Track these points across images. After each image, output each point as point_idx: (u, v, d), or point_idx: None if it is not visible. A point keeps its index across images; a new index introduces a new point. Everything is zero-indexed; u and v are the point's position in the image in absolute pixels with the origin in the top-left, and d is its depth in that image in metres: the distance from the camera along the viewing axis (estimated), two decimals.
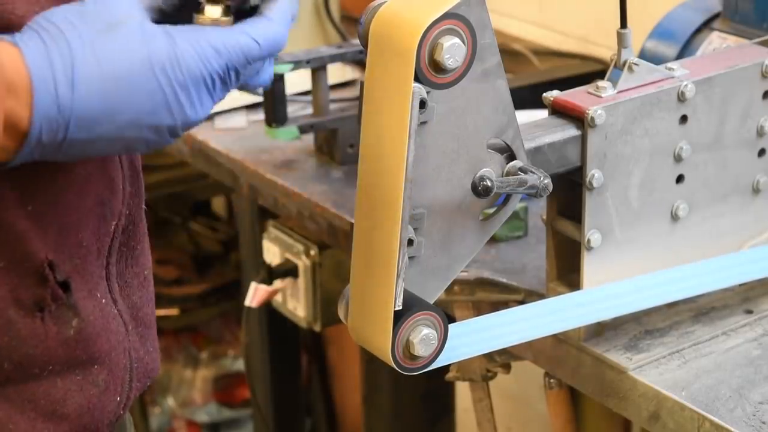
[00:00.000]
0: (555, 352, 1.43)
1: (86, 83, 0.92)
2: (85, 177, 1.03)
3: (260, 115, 1.98)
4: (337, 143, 1.89)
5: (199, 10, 1.00)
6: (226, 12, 1.00)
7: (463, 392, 2.44)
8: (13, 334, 1.00)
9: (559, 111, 1.34)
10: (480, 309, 1.54)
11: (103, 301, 1.07)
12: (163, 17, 1.00)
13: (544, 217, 1.40)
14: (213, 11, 0.99)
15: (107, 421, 1.08)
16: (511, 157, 1.23)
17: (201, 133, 2.02)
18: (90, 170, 1.03)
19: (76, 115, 0.92)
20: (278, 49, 1.00)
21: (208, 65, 0.96)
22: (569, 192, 1.35)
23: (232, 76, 0.98)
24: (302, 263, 1.94)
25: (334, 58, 1.89)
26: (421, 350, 1.16)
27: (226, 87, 0.99)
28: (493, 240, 1.59)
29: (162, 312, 2.78)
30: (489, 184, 1.18)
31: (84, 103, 0.92)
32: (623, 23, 1.35)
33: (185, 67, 0.95)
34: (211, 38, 0.96)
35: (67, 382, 1.04)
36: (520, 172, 1.21)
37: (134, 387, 1.11)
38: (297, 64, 1.85)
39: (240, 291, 2.25)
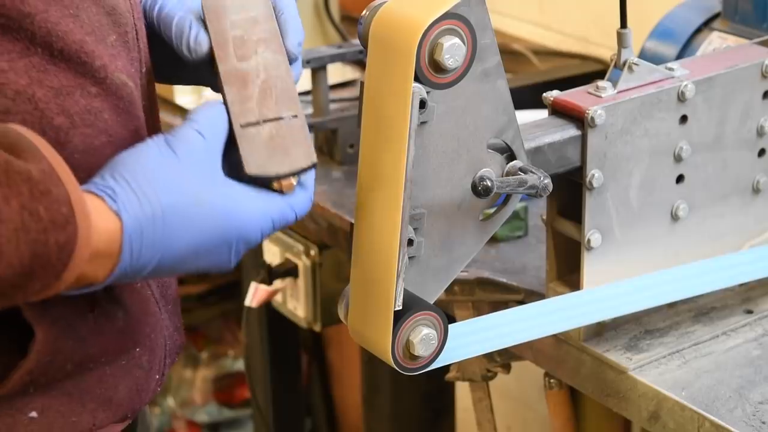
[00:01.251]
0: (555, 352, 1.43)
1: (170, 258, 0.99)
2: None
3: None
4: (337, 143, 1.89)
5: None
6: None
7: (463, 392, 2.44)
8: (75, 336, 1.03)
9: (559, 111, 1.34)
10: (480, 309, 1.54)
11: (139, 285, 1.11)
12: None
13: (544, 217, 1.40)
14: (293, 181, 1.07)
15: (148, 400, 1.13)
16: (511, 157, 1.23)
17: None
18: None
19: (146, 274, 1.00)
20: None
21: (263, 235, 1.05)
22: (569, 192, 1.35)
23: None
24: (302, 263, 1.94)
25: (334, 58, 1.89)
26: (421, 350, 1.16)
27: None
28: (493, 240, 1.59)
29: None
30: (489, 184, 1.18)
31: (156, 268, 1.00)
32: (623, 23, 1.35)
33: (250, 241, 1.04)
34: (274, 215, 1.05)
35: (115, 368, 1.08)
36: (520, 172, 1.21)
37: (167, 364, 1.16)
38: None
39: (240, 291, 2.25)
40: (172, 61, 1.15)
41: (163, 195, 0.98)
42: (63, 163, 0.94)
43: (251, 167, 1.04)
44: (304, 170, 1.05)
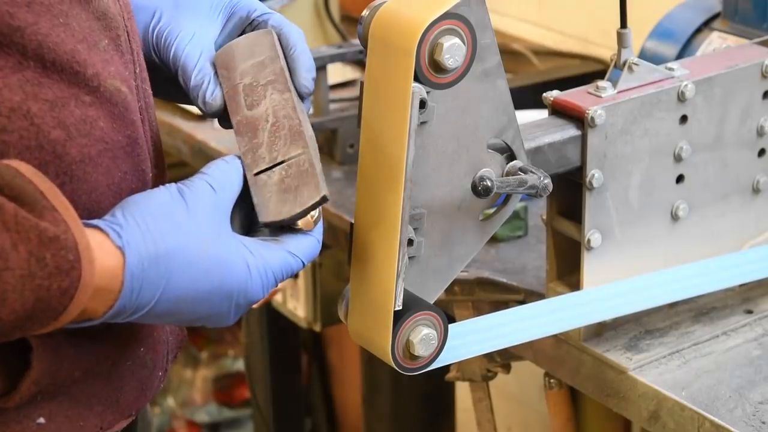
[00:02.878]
0: (555, 352, 1.43)
1: (168, 301, 1.00)
2: (122, 177, 1.07)
3: None
4: (337, 143, 1.89)
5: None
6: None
7: (463, 392, 2.44)
8: (79, 344, 1.03)
9: (559, 111, 1.34)
10: (480, 309, 1.54)
11: None
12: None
13: (544, 217, 1.40)
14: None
15: (152, 396, 1.14)
16: (511, 157, 1.23)
17: (201, 133, 2.02)
18: (126, 169, 1.07)
19: (143, 314, 1.00)
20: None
21: (265, 291, 1.06)
22: (569, 192, 1.35)
23: None
24: None
25: (334, 58, 1.89)
26: (421, 350, 1.16)
27: None
28: (494, 240, 1.59)
29: None
30: (489, 184, 1.18)
31: (155, 309, 1.00)
32: (623, 23, 1.35)
33: (251, 296, 1.04)
34: (275, 267, 1.05)
35: (122, 369, 1.09)
36: (520, 172, 1.21)
37: (170, 359, 1.16)
38: None
39: None
40: (169, 80, 1.17)
41: (168, 237, 0.99)
42: (69, 207, 0.95)
43: (264, 216, 1.06)
44: (315, 206, 1.06)
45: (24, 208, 0.92)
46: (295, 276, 1.94)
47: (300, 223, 1.07)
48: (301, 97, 1.13)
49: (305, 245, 1.08)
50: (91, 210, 1.02)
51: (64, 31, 1.01)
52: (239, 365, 2.90)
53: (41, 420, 1.03)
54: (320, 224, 1.09)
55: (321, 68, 1.86)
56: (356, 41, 1.91)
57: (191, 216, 1.01)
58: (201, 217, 1.02)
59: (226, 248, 1.03)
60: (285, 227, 1.07)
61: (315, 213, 1.07)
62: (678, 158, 1.38)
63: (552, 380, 1.53)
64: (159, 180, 1.14)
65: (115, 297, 0.97)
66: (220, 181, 1.05)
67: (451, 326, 1.20)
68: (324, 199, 1.06)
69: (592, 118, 1.31)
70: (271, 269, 1.05)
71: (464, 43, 1.11)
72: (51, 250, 0.92)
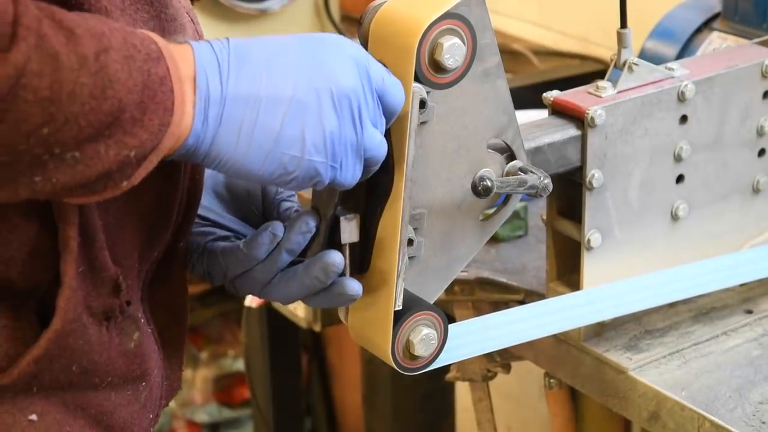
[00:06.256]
0: (555, 352, 1.43)
1: (245, 91, 0.98)
2: (147, 204, 1.06)
3: None
4: None
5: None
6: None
7: (463, 392, 2.44)
8: (85, 338, 1.02)
9: (559, 111, 1.34)
10: (480, 309, 1.54)
11: (143, 320, 1.10)
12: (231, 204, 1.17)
13: (544, 217, 1.40)
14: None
15: None
16: (511, 157, 1.23)
17: None
18: (150, 201, 1.06)
19: (225, 114, 0.97)
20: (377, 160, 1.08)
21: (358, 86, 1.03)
22: (569, 192, 1.35)
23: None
24: None
25: None
26: (421, 350, 1.16)
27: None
28: (494, 240, 1.59)
29: None
30: (489, 184, 1.18)
31: (234, 104, 0.97)
32: (623, 23, 1.35)
33: (341, 86, 1.02)
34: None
35: (119, 396, 1.07)
36: (520, 172, 1.21)
37: (161, 405, 1.14)
38: None
39: None
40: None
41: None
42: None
43: None
44: None
45: None
46: None
47: None
48: None
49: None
50: None
51: None
52: (239, 365, 2.90)
53: (33, 417, 1.02)
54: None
55: None
56: (356, 41, 1.91)
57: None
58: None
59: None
60: None
61: None
62: (678, 158, 1.38)
63: (552, 380, 1.53)
64: (181, 230, 1.14)
65: (193, 85, 0.95)
66: None
67: (451, 326, 1.19)
68: None
69: (592, 118, 1.31)
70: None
71: (464, 43, 1.11)
72: (137, 38, 0.92)
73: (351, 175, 1.04)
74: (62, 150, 0.89)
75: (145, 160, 0.94)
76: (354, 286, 1.12)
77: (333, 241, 1.12)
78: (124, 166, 0.92)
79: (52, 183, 0.90)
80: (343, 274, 1.12)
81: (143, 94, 0.91)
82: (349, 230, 1.12)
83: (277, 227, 1.11)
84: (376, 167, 1.07)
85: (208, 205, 1.19)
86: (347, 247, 1.13)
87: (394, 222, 1.12)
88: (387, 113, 1.07)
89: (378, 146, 1.05)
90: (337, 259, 1.11)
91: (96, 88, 0.89)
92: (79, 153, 0.90)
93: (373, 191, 1.13)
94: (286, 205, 1.19)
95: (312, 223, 1.11)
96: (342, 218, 1.12)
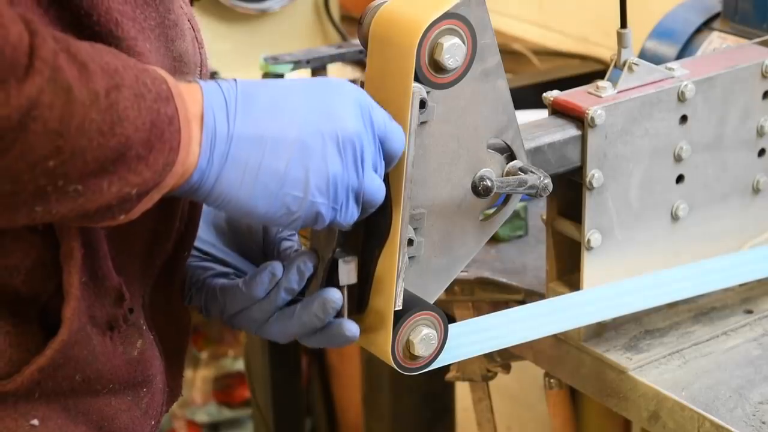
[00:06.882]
0: (555, 352, 1.43)
1: (251, 130, 0.99)
2: (150, 214, 1.05)
3: None
4: None
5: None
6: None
7: (463, 392, 2.44)
8: (90, 348, 1.03)
9: (559, 111, 1.34)
10: (480, 309, 1.54)
11: (145, 328, 1.10)
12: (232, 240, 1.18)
13: (544, 217, 1.40)
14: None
15: None
16: (511, 157, 1.23)
17: None
18: (152, 210, 1.05)
19: (230, 151, 0.98)
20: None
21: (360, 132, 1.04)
22: (569, 192, 1.35)
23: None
24: None
25: (334, 58, 1.89)
26: (421, 350, 1.16)
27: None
28: (494, 240, 1.59)
29: None
30: (489, 184, 1.18)
31: (238, 145, 0.98)
32: (623, 23, 1.35)
33: (347, 130, 1.03)
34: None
35: (120, 401, 1.07)
36: (520, 172, 1.21)
37: (163, 411, 1.15)
38: (297, 64, 1.85)
39: None
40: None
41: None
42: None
43: None
44: None
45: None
46: None
47: None
48: None
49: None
50: None
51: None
52: (239, 365, 2.90)
53: (35, 422, 1.02)
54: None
55: (321, 68, 1.86)
56: (356, 41, 1.91)
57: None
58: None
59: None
60: None
61: None
62: (678, 158, 1.38)
63: (552, 380, 1.53)
64: (182, 242, 1.15)
65: (200, 124, 0.96)
66: None
67: (451, 326, 1.19)
68: None
69: (592, 118, 1.31)
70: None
71: (464, 43, 1.11)
72: (149, 76, 0.92)
73: (349, 216, 1.06)
74: (66, 183, 0.89)
75: (146, 196, 0.95)
76: (351, 327, 1.13)
77: (331, 282, 1.13)
78: (124, 202, 0.93)
79: (51, 214, 0.91)
80: (341, 315, 1.13)
81: (151, 132, 0.92)
82: (347, 272, 1.13)
83: (277, 267, 1.12)
84: (374, 209, 1.09)
85: (209, 239, 1.19)
86: (345, 289, 1.13)
87: (392, 261, 1.13)
88: (387, 158, 1.08)
89: (377, 190, 1.07)
90: (336, 296, 1.12)
91: (105, 125, 0.89)
92: (82, 186, 0.90)
93: (371, 233, 1.14)
94: (287, 244, 1.19)
95: (310, 264, 1.12)
96: (340, 260, 1.13)
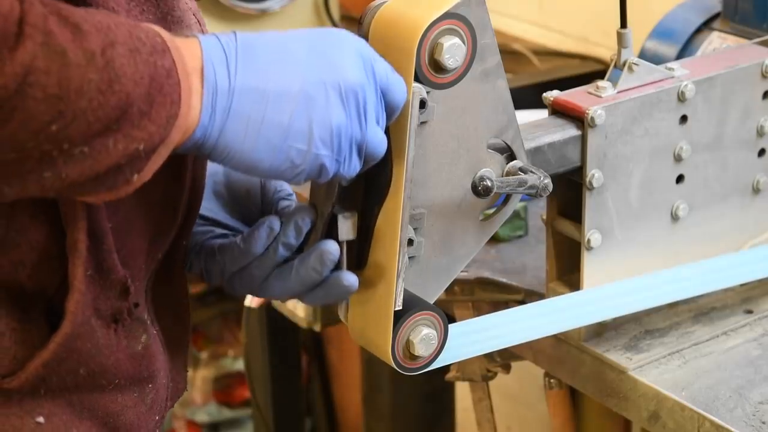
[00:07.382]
0: (555, 352, 1.43)
1: (252, 79, 0.98)
2: (154, 206, 1.06)
3: None
4: None
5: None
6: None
7: (463, 392, 2.44)
8: (94, 341, 1.03)
9: (559, 111, 1.34)
10: (480, 309, 1.54)
11: (149, 322, 1.10)
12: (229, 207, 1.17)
13: (544, 217, 1.40)
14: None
15: None
16: (511, 157, 1.23)
17: None
18: (156, 202, 1.07)
19: (233, 103, 0.97)
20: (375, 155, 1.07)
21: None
22: (569, 192, 1.35)
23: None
24: None
25: None
26: (421, 350, 1.16)
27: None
28: (494, 240, 1.59)
29: None
30: (489, 184, 1.18)
31: (242, 94, 0.97)
32: (623, 23, 1.35)
33: (349, 81, 1.02)
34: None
35: (126, 398, 1.07)
36: (520, 172, 1.21)
37: (167, 406, 1.14)
38: None
39: None
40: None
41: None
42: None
43: None
44: None
45: None
46: None
47: None
48: None
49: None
50: None
51: None
52: (239, 365, 2.90)
53: (40, 419, 1.02)
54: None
55: None
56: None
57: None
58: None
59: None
60: None
61: None
62: (678, 158, 1.38)
63: (552, 380, 1.53)
64: (182, 233, 1.14)
65: (201, 78, 0.95)
66: None
67: (451, 326, 1.20)
68: None
69: (592, 118, 1.31)
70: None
71: (464, 43, 1.11)
72: (142, 31, 0.92)
73: (352, 169, 1.05)
74: (71, 145, 0.89)
75: (154, 153, 0.94)
76: (350, 278, 1.12)
77: (330, 238, 1.12)
78: (133, 160, 0.93)
79: (61, 179, 0.90)
80: (339, 269, 1.12)
81: (150, 86, 0.91)
82: (347, 228, 1.13)
83: (274, 222, 1.12)
84: (375, 162, 1.08)
85: (207, 204, 1.19)
86: (344, 244, 1.13)
87: (393, 217, 1.13)
88: (389, 110, 1.07)
89: (379, 143, 1.06)
90: (333, 247, 1.11)
91: (103, 83, 0.89)
92: (87, 148, 0.90)
93: (370, 188, 1.13)
94: (285, 203, 1.19)
95: (308, 219, 1.12)
96: (340, 216, 1.12)
